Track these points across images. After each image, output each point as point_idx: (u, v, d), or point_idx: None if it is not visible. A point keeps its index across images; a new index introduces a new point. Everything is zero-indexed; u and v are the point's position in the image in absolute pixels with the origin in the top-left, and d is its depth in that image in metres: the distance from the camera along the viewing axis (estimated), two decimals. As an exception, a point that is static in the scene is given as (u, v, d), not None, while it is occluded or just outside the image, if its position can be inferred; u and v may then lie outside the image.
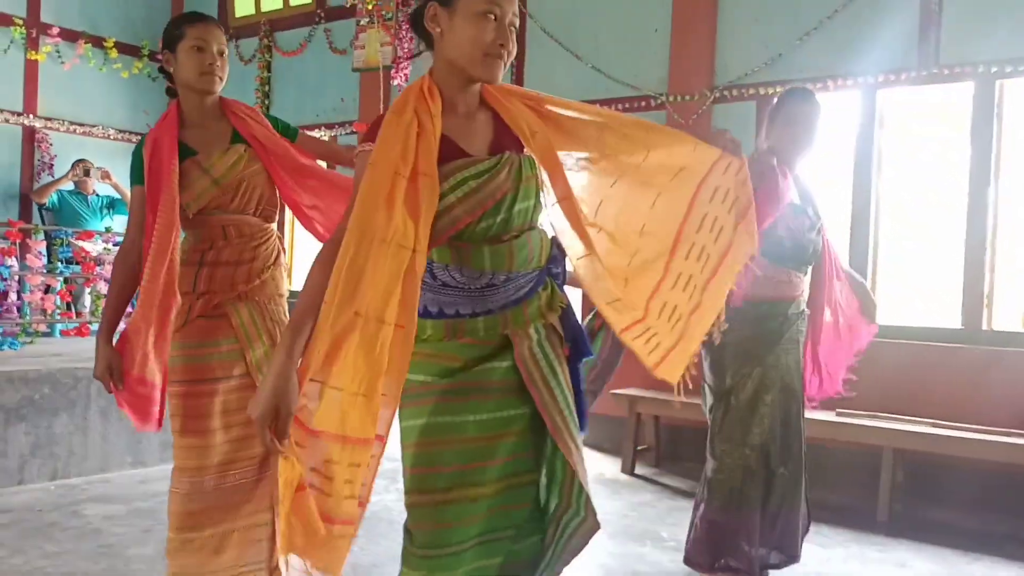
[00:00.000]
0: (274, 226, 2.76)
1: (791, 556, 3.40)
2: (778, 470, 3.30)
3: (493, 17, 1.80)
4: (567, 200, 1.88)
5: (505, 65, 1.84)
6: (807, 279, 3.39)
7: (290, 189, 2.71)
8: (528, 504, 1.93)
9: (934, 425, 4.62)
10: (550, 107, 1.95)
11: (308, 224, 2.78)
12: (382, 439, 1.73)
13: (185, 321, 2.58)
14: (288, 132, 2.77)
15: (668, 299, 2.11)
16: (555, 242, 1.99)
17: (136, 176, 2.57)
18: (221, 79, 2.60)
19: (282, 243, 2.82)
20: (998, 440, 4.38)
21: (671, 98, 5.93)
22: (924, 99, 5.40)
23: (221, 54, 2.59)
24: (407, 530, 1.86)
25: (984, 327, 4.88)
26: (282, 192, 2.73)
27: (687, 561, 3.40)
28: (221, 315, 2.61)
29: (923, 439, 4.53)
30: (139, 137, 8.95)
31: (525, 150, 1.91)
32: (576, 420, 1.94)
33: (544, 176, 1.91)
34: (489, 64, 1.81)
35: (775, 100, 3.43)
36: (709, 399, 3.39)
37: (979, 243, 4.91)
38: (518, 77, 6.80)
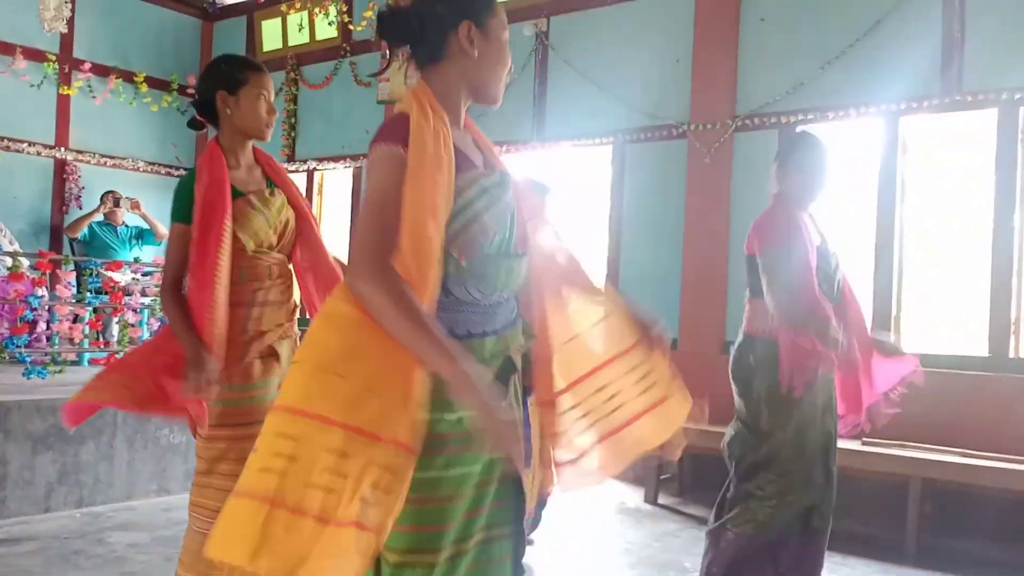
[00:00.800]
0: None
1: None
2: (817, 507, 3.27)
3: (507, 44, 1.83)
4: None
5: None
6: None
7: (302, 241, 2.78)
8: (508, 558, 1.79)
9: (962, 455, 4.55)
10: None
11: (301, 280, 2.81)
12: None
13: (240, 365, 2.56)
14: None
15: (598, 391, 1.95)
16: None
17: (181, 215, 2.55)
18: (271, 127, 2.68)
19: None
20: (1028, 470, 4.31)
21: (693, 127, 5.95)
22: (947, 126, 5.38)
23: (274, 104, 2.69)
24: None
25: (1011, 355, 4.82)
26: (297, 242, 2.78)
27: None
28: (272, 354, 2.63)
29: (951, 468, 4.46)
30: (167, 169, 9.17)
31: None
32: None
33: None
34: (503, 88, 1.85)
35: (784, 146, 3.50)
36: (743, 433, 3.33)
37: (1005, 270, 4.86)
38: (540, 109, 6.86)
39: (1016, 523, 4.55)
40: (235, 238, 2.53)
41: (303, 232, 2.73)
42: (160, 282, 2.61)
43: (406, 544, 1.64)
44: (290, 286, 2.72)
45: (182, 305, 2.53)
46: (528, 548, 2.33)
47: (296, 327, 2.76)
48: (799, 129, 5.60)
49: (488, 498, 1.74)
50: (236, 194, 2.57)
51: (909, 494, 4.53)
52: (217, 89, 2.57)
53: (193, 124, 2.75)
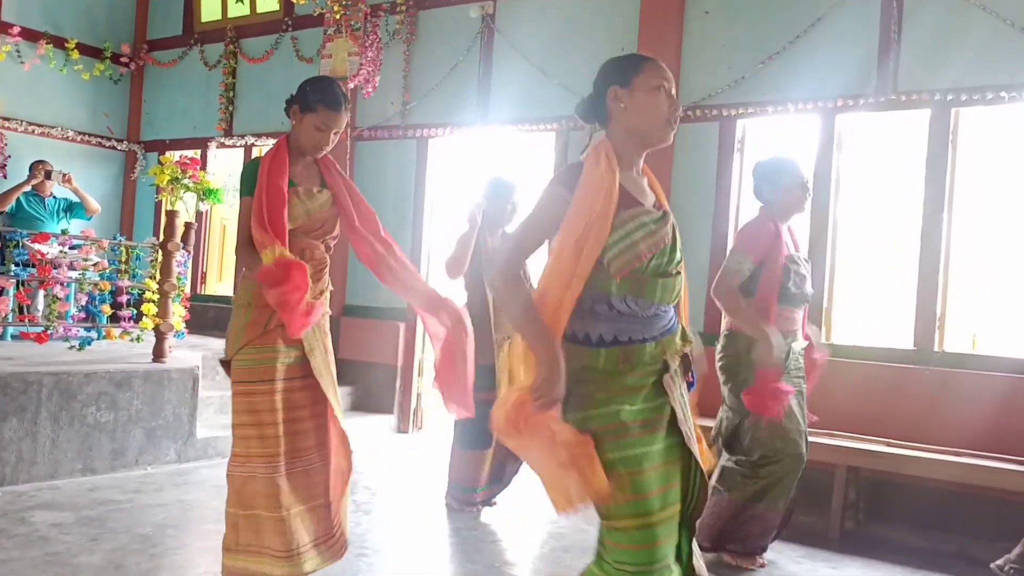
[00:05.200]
0: (328, 258, 3.23)
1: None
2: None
3: (664, 91, 2.23)
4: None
5: (673, 132, 2.26)
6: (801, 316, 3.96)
7: (352, 234, 3.20)
8: (674, 537, 2.21)
9: (887, 444, 4.70)
10: None
11: (359, 251, 3.22)
12: None
13: (264, 330, 3.03)
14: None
15: None
16: None
17: (247, 189, 3.03)
18: (326, 150, 3.14)
19: None
20: (949, 459, 4.47)
21: (636, 116, 5.98)
22: (882, 124, 5.51)
23: (336, 133, 3.11)
24: (611, 555, 2.16)
25: (936, 348, 4.98)
26: (347, 234, 3.21)
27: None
28: None
29: (875, 458, 4.60)
30: (98, 139, 8.93)
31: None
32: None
33: None
34: (668, 130, 2.24)
35: (767, 165, 3.95)
36: (730, 416, 3.94)
37: (932, 266, 5.01)
38: (483, 92, 6.83)
39: (937, 512, 4.71)
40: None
41: (347, 224, 3.17)
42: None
43: (622, 511, 2.14)
44: (321, 271, 3.14)
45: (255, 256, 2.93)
46: None
47: (327, 305, 3.20)
48: (742, 120, 5.70)
49: (670, 477, 2.20)
50: (291, 184, 3.05)
51: (835, 482, 4.66)
52: (292, 104, 3.11)
53: (285, 110, 3.15)
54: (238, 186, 3.12)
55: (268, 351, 3.04)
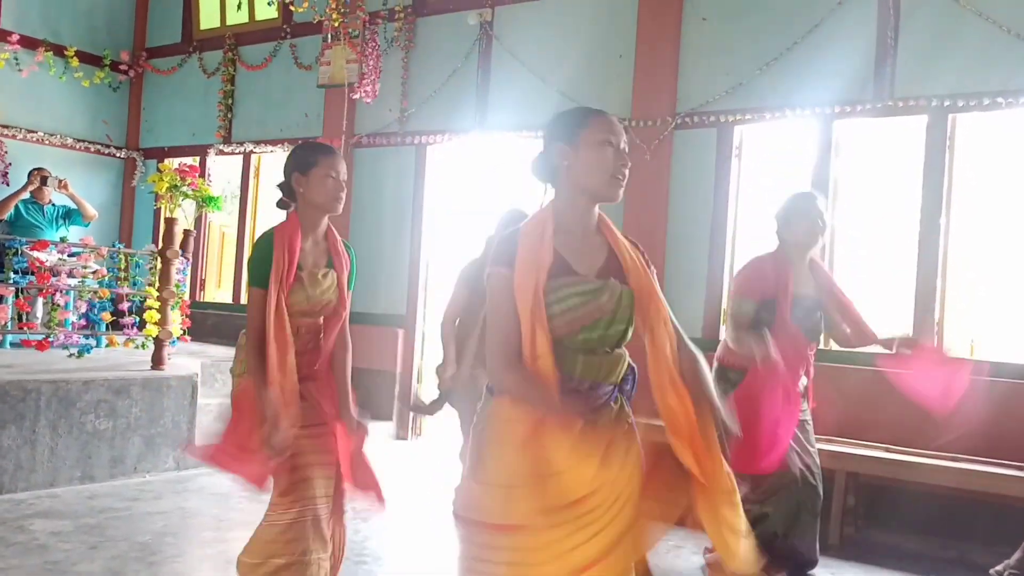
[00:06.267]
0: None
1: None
2: (804, 503, 3.81)
3: (610, 145, 2.11)
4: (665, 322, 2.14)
5: (623, 188, 2.13)
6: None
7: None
8: None
9: (886, 450, 4.70)
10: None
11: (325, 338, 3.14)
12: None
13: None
14: (352, 277, 3.16)
15: None
16: (630, 364, 2.19)
17: (260, 280, 2.90)
18: (343, 201, 3.01)
19: None
20: (947, 465, 4.47)
21: (634, 123, 6.00)
22: (879, 130, 5.53)
23: (345, 180, 3.01)
24: None
25: (935, 354, 4.97)
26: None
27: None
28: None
29: (875, 463, 4.60)
30: (96, 147, 8.92)
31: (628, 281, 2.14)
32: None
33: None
34: (615, 186, 2.12)
35: (781, 208, 3.90)
36: None
37: (930, 271, 5.02)
38: (482, 99, 6.85)
39: (937, 517, 4.71)
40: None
41: (336, 310, 3.07)
42: (246, 333, 2.98)
43: None
44: (315, 340, 3.05)
45: (265, 365, 2.86)
46: None
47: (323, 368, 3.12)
48: (740, 127, 5.71)
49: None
50: (298, 268, 2.97)
51: (834, 487, 4.66)
52: (293, 172, 2.97)
53: (280, 204, 3.08)
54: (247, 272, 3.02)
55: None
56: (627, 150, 2.16)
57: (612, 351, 2.12)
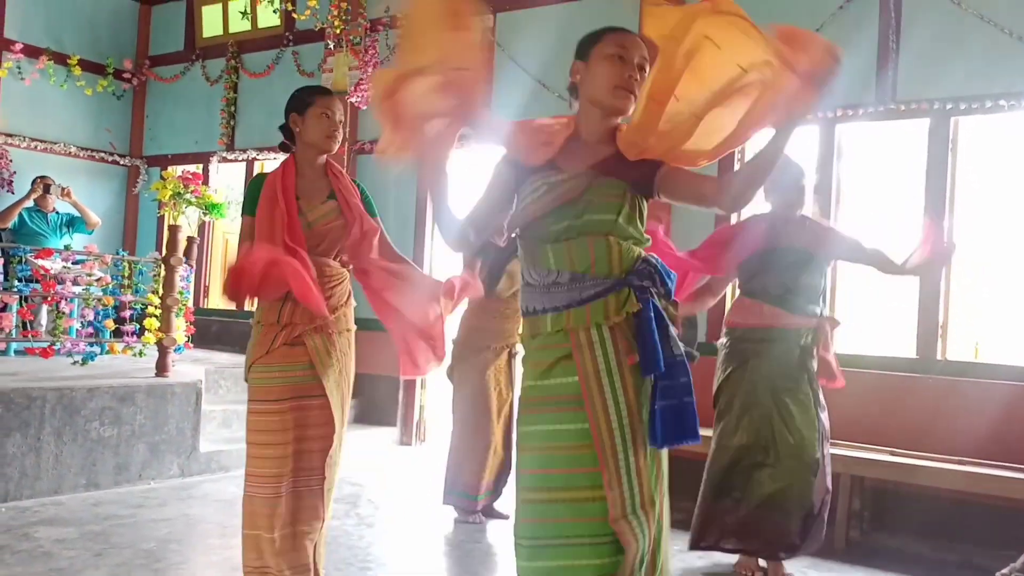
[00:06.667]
0: (347, 272, 3.21)
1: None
2: (762, 465, 3.84)
3: (620, 59, 2.16)
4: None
5: (634, 100, 2.16)
6: (800, 310, 3.95)
7: (355, 246, 3.17)
8: (594, 519, 2.05)
9: (890, 454, 4.69)
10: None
11: (361, 283, 3.24)
12: None
13: (269, 349, 3.04)
14: (370, 207, 3.24)
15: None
16: (647, 260, 2.17)
17: (248, 207, 3.07)
18: (338, 142, 3.15)
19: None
20: (953, 468, 4.46)
21: (636, 127, 5.99)
22: (881, 134, 5.52)
23: (340, 122, 3.14)
24: (519, 529, 2.14)
25: (938, 357, 4.97)
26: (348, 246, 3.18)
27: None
28: (300, 343, 3.05)
29: (880, 467, 4.59)
30: (100, 155, 8.96)
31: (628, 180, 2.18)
32: (628, 436, 2.06)
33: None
34: (617, 96, 2.16)
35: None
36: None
37: (934, 275, 5.00)
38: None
39: (942, 521, 4.70)
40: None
41: (351, 242, 3.13)
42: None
43: (517, 483, 2.18)
44: (334, 287, 3.11)
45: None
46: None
47: (349, 321, 3.20)
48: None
49: (559, 462, 2.09)
50: (295, 198, 3.06)
51: (839, 491, 4.64)
52: (291, 112, 3.13)
53: (282, 146, 3.25)
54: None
55: (274, 370, 3.04)
56: (645, 65, 2.18)
57: (579, 238, 2.13)
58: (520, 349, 4.77)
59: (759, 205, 4.10)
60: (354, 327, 3.26)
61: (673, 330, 2.14)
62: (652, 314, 2.10)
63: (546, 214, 2.14)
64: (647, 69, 2.18)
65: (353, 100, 7.17)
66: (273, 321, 3.04)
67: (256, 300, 3.03)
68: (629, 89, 2.15)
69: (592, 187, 2.14)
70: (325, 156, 3.17)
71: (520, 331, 2.25)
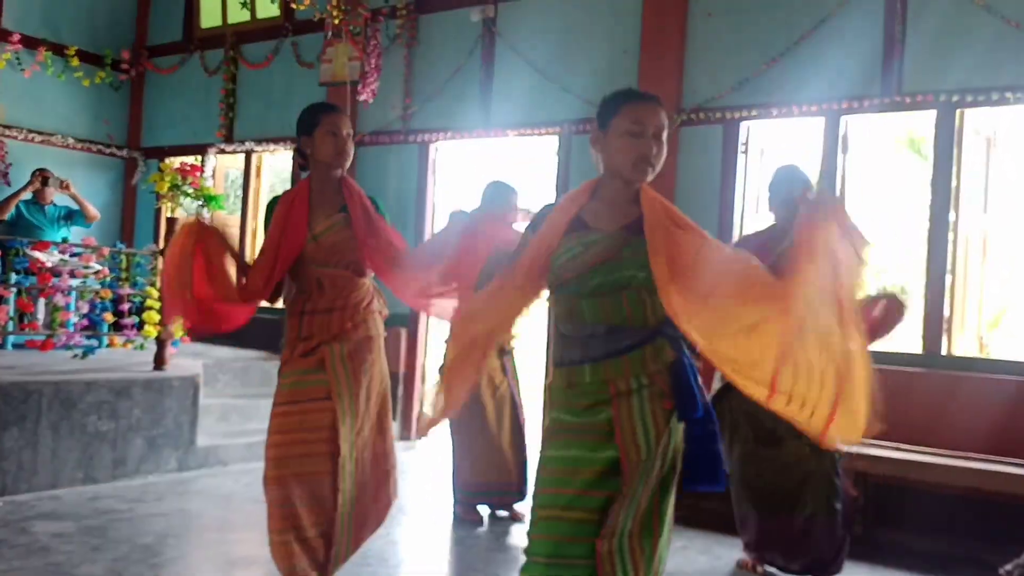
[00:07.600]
0: (367, 280, 3.26)
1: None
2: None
3: (638, 135, 2.22)
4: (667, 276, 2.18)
5: (654, 170, 2.26)
6: None
7: (369, 257, 3.22)
8: (588, 539, 2.16)
9: (895, 449, 4.65)
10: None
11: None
12: None
13: (291, 356, 3.16)
14: (384, 218, 3.28)
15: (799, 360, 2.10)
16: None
17: (266, 229, 3.22)
18: (349, 156, 3.22)
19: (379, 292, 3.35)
20: (957, 464, 4.43)
21: (638, 119, 5.95)
22: (887, 126, 5.48)
23: (349, 136, 3.20)
24: (528, 546, 2.24)
25: (944, 352, 4.94)
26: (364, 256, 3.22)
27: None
28: (318, 353, 3.14)
29: (884, 463, 4.55)
30: (98, 147, 8.91)
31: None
32: (651, 473, 2.17)
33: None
34: (636, 172, 2.25)
35: (773, 177, 3.92)
36: None
37: (940, 268, 4.97)
38: (485, 97, 6.80)
39: (946, 516, 4.66)
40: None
41: (364, 253, 3.18)
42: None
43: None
44: (349, 295, 3.18)
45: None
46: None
47: (370, 328, 3.25)
48: (746, 123, 5.67)
49: (576, 484, 2.19)
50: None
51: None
52: (300, 135, 3.21)
53: (302, 168, 3.32)
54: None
55: (291, 375, 3.16)
56: (663, 135, 2.26)
57: (615, 294, 2.21)
58: (513, 345, 4.75)
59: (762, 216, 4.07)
60: (381, 333, 3.32)
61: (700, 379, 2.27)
62: (687, 361, 2.23)
63: (583, 273, 2.22)
64: (664, 137, 2.27)
65: (361, 98, 7.10)
66: (294, 336, 3.17)
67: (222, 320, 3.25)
68: (647, 163, 2.25)
69: (628, 246, 2.23)
70: (340, 171, 3.23)
71: (553, 381, 2.31)
